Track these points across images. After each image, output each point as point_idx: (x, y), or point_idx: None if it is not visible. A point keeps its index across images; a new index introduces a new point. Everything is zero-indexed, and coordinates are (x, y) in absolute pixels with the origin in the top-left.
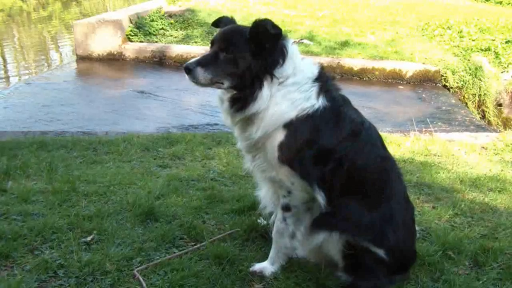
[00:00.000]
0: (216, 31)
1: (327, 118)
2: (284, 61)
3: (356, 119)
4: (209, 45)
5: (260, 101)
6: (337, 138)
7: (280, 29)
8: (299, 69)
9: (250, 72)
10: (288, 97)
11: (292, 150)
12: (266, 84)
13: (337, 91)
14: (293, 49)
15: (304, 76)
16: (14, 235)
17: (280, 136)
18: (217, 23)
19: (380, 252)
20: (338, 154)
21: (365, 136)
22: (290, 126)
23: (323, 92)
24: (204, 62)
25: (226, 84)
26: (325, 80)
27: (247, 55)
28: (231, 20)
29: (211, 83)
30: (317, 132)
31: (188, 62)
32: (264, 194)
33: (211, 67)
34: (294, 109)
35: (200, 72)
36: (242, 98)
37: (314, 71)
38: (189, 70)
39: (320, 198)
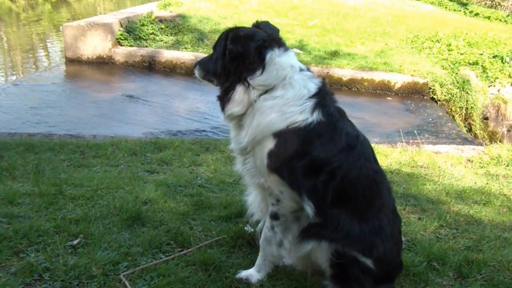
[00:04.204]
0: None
1: (321, 132)
2: (263, 70)
3: (351, 133)
4: None
5: (231, 104)
6: (331, 151)
7: (235, 45)
8: (290, 83)
9: (223, 73)
10: (276, 109)
11: (281, 159)
12: (239, 89)
13: (334, 104)
14: (279, 60)
15: (296, 93)
16: None
17: (270, 144)
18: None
19: (368, 262)
20: (332, 166)
21: (360, 150)
22: (280, 135)
23: (319, 107)
24: (201, 61)
25: (215, 81)
26: (324, 96)
27: (221, 58)
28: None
29: (206, 80)
30: (310, 144)
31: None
32: (253, 199)
33: (203, 66)
34: (283, 120)
35: (196, 70)
36: (221, 98)
37: (311, 88)
38: (194, 67)
39: (309, 208)
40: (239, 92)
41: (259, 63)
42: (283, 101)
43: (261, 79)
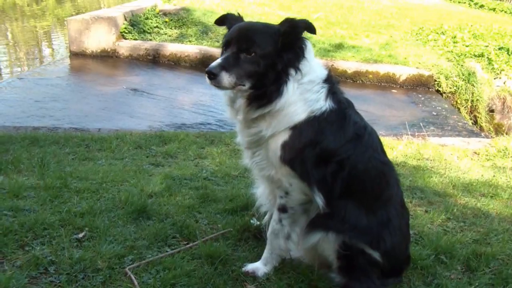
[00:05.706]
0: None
1: (332, 120)
2: (304, 56)
3: (359, 123)
4: (223, 45)
5: (286, 95)
6: (340, 141)
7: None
8: (313, 68)
9: (275, 70)
10: (303, 96)
11: (295, 150)
12: (291, 78)
13: (342, 94)
14: (310, 45)
15: (317, 75)
16: (5, 231)
17: (284, 135)
18: (223, 20)
19: (376, 255)
20: (340, 156)
21: (367, 141)
22: (296, 127)
23: (330, 94)
24: (227, 65)
25: (248, 85)
26: (333, 82)
27: (270, 54)
28: (238, 17)
29: (235, 86)
30: (322, 134)
31: (211, 66)
32: (261, 192)
33: (234, 70)
34: (305, 110)
35: (225, 77)
36: (266, 95)
37: (324, 72)
38: (214, 75)
39: (319, 200)
40: (292, 81)
41: (301, 50)
42: (309, 86)
43: (303, 66)
